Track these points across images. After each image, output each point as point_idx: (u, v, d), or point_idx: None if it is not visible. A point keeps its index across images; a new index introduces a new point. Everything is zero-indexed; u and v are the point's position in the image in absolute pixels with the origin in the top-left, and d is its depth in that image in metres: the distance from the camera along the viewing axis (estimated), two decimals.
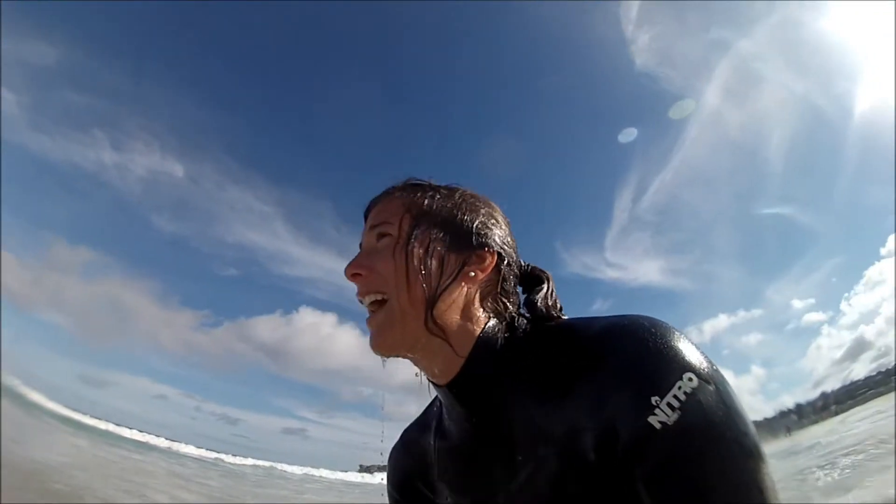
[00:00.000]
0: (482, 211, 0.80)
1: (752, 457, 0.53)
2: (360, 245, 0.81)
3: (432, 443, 0.83)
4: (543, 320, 0.75)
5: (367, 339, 0.75)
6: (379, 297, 0.73)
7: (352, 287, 0.79)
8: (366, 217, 0.82)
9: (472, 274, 0.75)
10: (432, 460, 0.82)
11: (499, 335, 0.73)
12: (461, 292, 0.74)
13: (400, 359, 0.76)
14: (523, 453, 0.65)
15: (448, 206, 0.79)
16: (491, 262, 0.76)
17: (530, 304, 0.78)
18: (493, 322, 0.74)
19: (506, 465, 0.67)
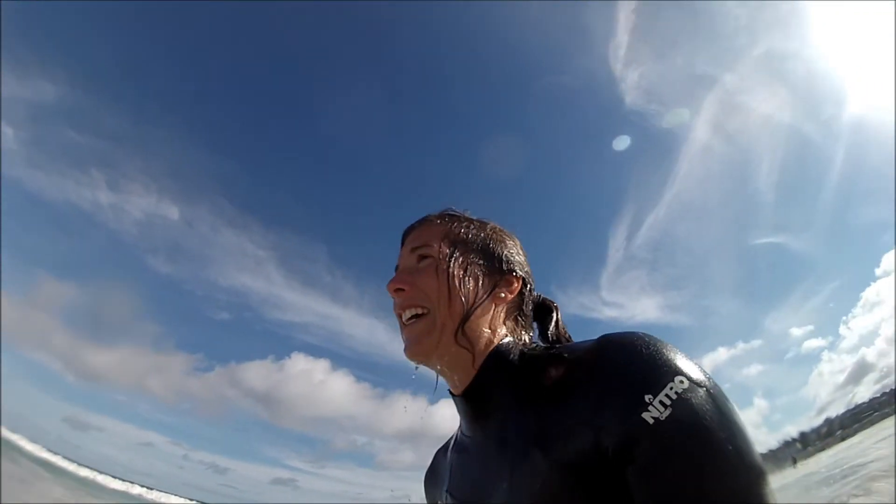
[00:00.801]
0: (508, 242, 0.91)
1: (745, 460, 0.53)
2: (397, 266, 0.89)
3: (448, 457, 0.89)
4: (554, 343, 0.84)
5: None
6: (419, 311, 0.80)
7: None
8: (403, 240, 0.91)
9: (502, 295, 0.84)
10: (447, 474, 0.86)
11: (512, 350, 0.79)
12: (490, 311, 0.82)
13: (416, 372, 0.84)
14: (518, 456, 0.67)
15: (482, 235, 0.89)
16: (517, 286, 0.86)
17: (542, 329, 0.89)
18: (508, 339, 0.82)
19: (501, 468, 0.70)
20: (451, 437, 0.93)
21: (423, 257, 0.84)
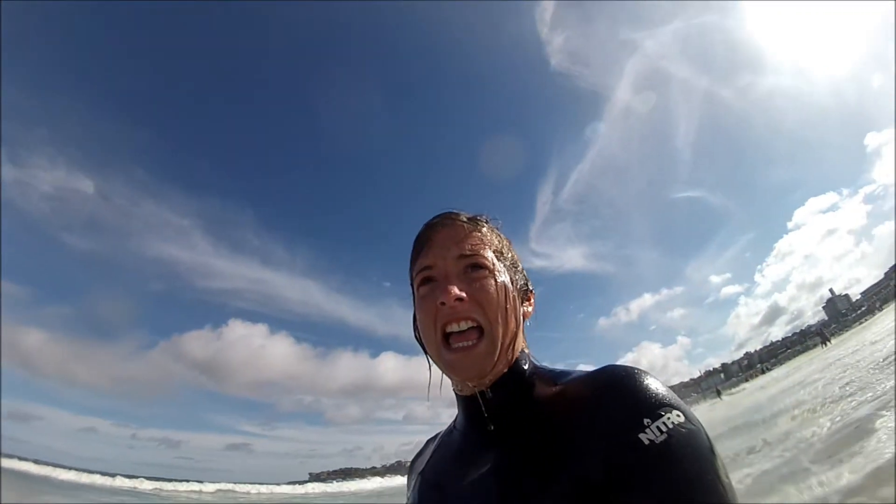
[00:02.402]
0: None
1: (733, 496, 0.55)
2: (428, 266, 0.80)
3: (434, 445, 0.91)
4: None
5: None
6: (475, 325, 0.76)
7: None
8: (429, 238, 0.82)
9: (529, 310, 0.87)
10: (427, 458, 0.89)
11: (526, 363, 0.81)
12: (521, 326, 0.83)
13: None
14: (505, 461, 0.69)
15: (512, 250, 0.88)
16: (533, 302, 0.88)
17: None
18: (525, 352, 0.83)
19: (484, 464, 0.72)
20: (445, 429, 0.93)
21: (477, 266, 0.78)
